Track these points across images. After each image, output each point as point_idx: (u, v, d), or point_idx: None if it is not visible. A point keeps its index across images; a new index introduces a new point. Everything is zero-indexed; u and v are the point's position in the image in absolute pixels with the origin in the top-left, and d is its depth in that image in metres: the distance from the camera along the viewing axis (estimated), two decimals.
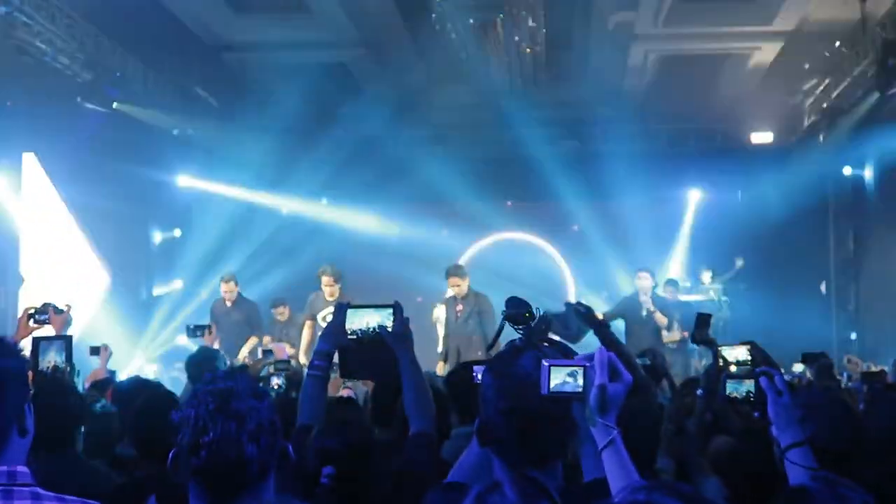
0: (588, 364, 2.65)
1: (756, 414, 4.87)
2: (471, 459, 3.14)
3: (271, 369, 8.80)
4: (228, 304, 14.13)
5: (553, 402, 2.68)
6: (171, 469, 2.65)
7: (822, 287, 18.21)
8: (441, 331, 13.65)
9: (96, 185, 15.20)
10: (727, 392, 4.64)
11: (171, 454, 2.66)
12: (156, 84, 15.07)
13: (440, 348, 13.56)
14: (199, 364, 7.38)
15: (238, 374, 2.79)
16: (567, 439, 2.83)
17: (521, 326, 3.49)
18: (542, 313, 3.54)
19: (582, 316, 5.29)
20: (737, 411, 5.64)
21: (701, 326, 6.91)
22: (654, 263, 15.59)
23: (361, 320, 4.23)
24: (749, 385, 4.52)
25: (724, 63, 16.31)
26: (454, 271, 13.49)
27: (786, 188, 17.24)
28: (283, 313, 15.08)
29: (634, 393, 2.68)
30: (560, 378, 2.65)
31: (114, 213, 16.11)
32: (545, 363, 2.67)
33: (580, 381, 2.64)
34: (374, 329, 4.21)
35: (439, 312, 13.83)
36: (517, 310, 3.56)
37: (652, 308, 13.55)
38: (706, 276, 17.86)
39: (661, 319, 13.55)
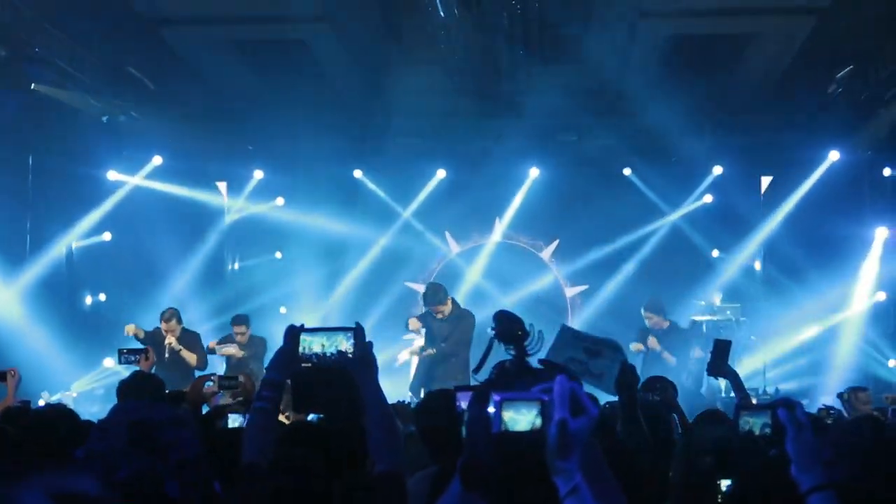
0: (546, 398, 2.58)
1: (773, 452, 4.78)
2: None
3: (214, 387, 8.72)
4: (171, 342, 14.28)
5: (508, 443, 2.63)
6: None
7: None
8: (418, 343, 13.68)
9: (9, 179, 15.10)
10: (740, 427, 4.52)
11: None
12: (82, 63, 14.94)
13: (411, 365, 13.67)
14: (135, 390, 7.21)
15: (157, 403, 2.74)
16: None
17: (512, 346, 3.43)
18: (538, 330, 3.48)
19: (625, 379, 5.14)
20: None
21: (718, 356, 6.89)
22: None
23: (317, 345, 4.16)
24: (766, 417, 4.39)
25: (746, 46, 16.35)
26: (434, 298, 13.52)
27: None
28: (243, 333, 15.05)
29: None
30: (515, 414, 2.59)
31: (31, 211, 16.01)
32: (496, 397, 2.59)
33: (538, 418, 2.57)
34: (331, 354, 4.14)
35: (415, 323, 13.88)
36: (508, 326, 3.50)
37: (658, 349, 14.93)
38: (716, 298, 18.04)
39: (668, 359, 14.79)
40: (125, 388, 7.35)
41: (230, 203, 19.54)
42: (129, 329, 14.04)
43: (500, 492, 2.78)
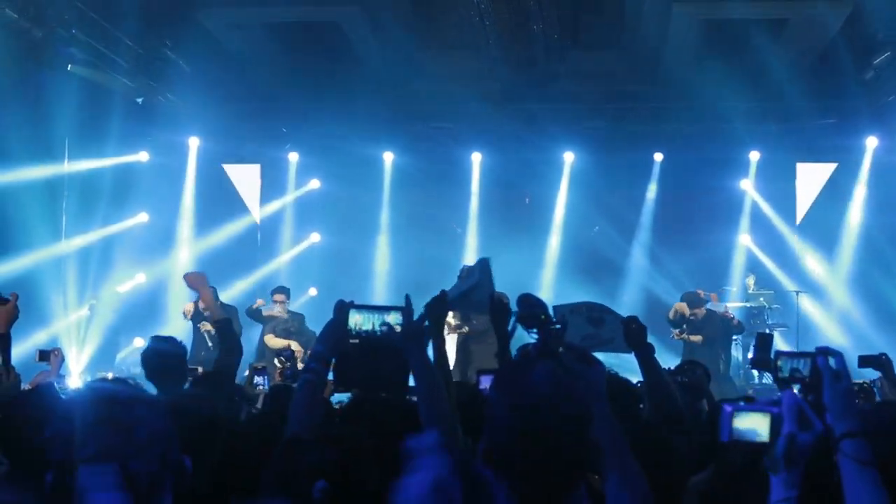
0: (775, 410, 2.62)
1: (810, 397, 4.71)
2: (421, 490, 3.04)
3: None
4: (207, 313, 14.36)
5: (571, 420, 2.63)
6: (51, 494, 2.59)
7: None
8: (462, 332, 13.67)
9: (46, 159, 15.19)
10: (779, 374, 4.51)
11: (48, 476, 2.59)
12: (118, 45, 14.96)
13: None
14: (162, 361, 7.02)
15: (122, 380, 2.72)
16: (587, 465, 2.78)
17: (534, 330, 3.39)
18: (561, 314, 3.45)
19: (632, 333, 5.09)
20: None
21: (762, 349, 6.83)
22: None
23: (369, 323, 4.15)
24: (805, 365, 4.36)
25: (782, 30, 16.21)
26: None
27: None
28: (281, 302, 15.28)
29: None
30: (744, 423, 2.61)
31: (68, 193, 16.12)
32: (727, 408, 2.64)
33: (766, 429, 2.61)
34: (380, 330, 4.11)
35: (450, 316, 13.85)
36: (530, 310, 3.46)
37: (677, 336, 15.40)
38: (750, 282, 17.98)
39: (695, 339, 15.27)
40: (151, 358, 7.15)
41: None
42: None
43: (523, 474, 2.76)
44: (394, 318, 4.09)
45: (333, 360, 4.33)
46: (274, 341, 14.71)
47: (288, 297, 15.56)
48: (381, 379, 4.77)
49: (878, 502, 2.94)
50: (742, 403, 2.65)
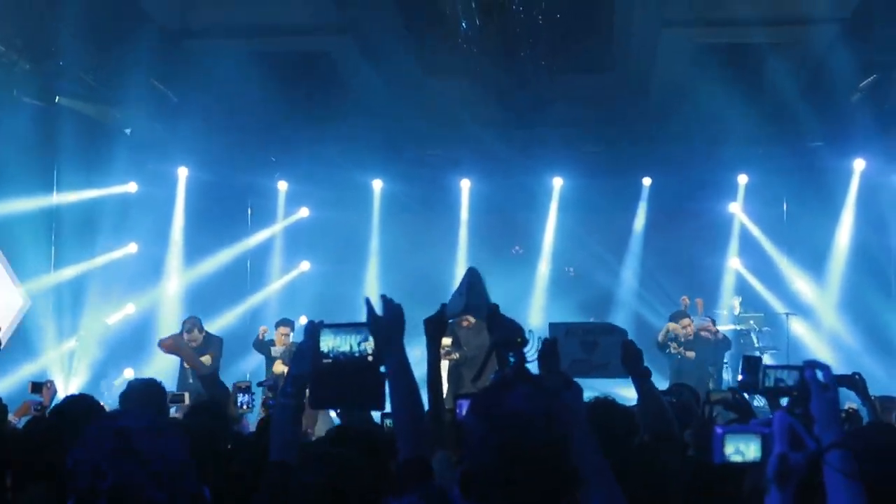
0: (766, 431, 2.64)
1: (797, 410, 4.70)
2: None
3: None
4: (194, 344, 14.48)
5: (548, 445, 2.63)
6: None
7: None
8: (450, 357, 13.65)
9: (34, 192, 15.17)
10: (765, 384, 4.54)
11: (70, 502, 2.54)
12: (105, 75, 14.98)
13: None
14: (141, 399, 7.06)
15: (139, 410, 2.71)
16: (566, 488, 2.76)
17: (510, 355, 3.37)
18: (537, 337, 3.43)
19: (629, 355, 5.06)
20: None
21: (749, 372, 6.82)
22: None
23: (342, 342, 4.03)
24: (790, 376, 4.40)
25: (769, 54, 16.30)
26: None
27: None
28: (285, 335, 15.31)
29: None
30: (735, 446, 2.63)
31: (55, 223, 16.10)
32: (718, 430, 2.65)
33: (758, 450, 2.63)
34: (357, 352, 3.99)
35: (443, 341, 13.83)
36: (507, 333, 3.45)
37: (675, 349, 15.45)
38: (735, 303, 18.05)
39: (687, 355, 15.41)
40: (129, 397, 7.18)
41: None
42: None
43: (502, 499, 2.72)
44: (370, 345, 3.98)
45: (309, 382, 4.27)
46: (280, 367, 14.75)
47: (292, 328, 15.59)
48: (356, 397, 4.74)
49: None
50: (733, 425, 2.65)
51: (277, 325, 15.84)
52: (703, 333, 15.62)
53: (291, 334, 15.50)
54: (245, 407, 8.74)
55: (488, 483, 2.73)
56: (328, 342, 4.05)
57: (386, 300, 4.04)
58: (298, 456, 3.99)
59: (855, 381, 8.76)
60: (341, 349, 4.03)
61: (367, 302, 4.07)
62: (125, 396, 7.06)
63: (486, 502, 2.76)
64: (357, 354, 4.00)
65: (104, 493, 2.47)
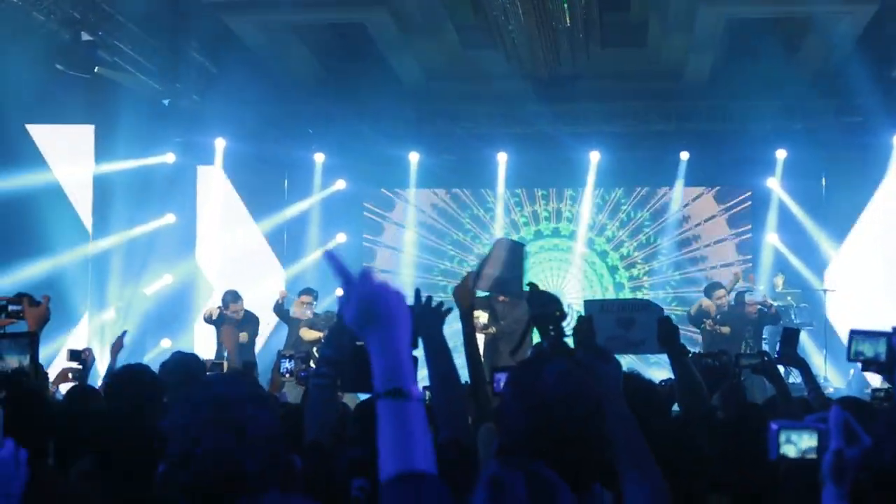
0: (823, 426, 2.64)
1: (884, 378, 4.67)
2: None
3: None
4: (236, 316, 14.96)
5: (583, 419, 2.67)
6: (161, 486, 2.59)
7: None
8: (481, 319, 13.65)
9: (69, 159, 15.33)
10: (854, 349, 4.48)
11: (160, 469, 2.60)
12: (144, 47, 15.05)
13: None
14: (179, 374, 7.02)
15: (237, 378, 2.73)
16: (601, 463, 2.79)
17: (550, 328, 3.38)
18: (577, 313, 3.44)
19: (665, 332, 5.03)
20: None
21: (787, 344, 6.83)
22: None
23: None
24: (879, 345, 4.33)
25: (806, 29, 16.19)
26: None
27: None
28: (307, 303, 15.43)
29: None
30: (791, 440, 2.64)
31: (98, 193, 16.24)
32: (773, 426, 2.66)
33: (814, 445, 2.64)
34: None
35: (479, 315, 13.83)
36: (544, 308, 3.45)
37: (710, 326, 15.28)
38: (779, 281, 17.94)
39: (722, 330, 15.17)
40: (169, 371, 7.05)
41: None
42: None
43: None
44: None
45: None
46: (309, 333, 14.84)
47: (315, 298, 15.64)
48: None
49: None
50: (787, 421, 2.66)
51: (300, 293, 15.92)
52: (752, 309, 15.54)
53: (314, 303, 15.60)
54: (288, 375, 8.73)
55: (523, 457, 2.78)
56: None
57: (428, 298, 4.06)
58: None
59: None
60: None
61: (417, 293, 4.09)
62: (165, 368, 7.11)
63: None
64: None
65: (197, 459, 2.51)
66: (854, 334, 4.51)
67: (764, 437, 2.66)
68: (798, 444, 2.61)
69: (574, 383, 2.82)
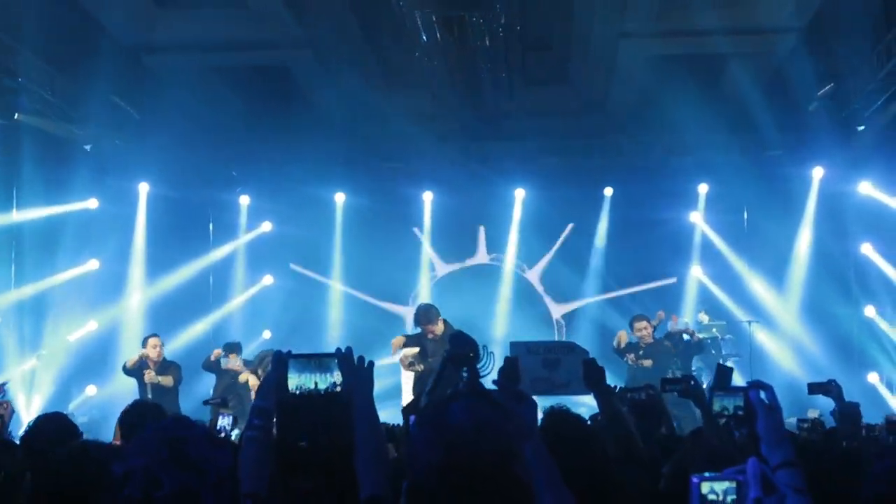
0: (741, 477, 2.73)
1: (744, 431, 4.83)
2: None
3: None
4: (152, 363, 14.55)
5: (493, 456, 2.71)
6: None
7: None
8: (408, 353, 13.64)
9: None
10: (715, 408, 4.64)
11: None
12: (65, 92, 14.96)
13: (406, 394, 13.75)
14: (138, 418, 6.93)
15: (191, 421, 2.73)
16: (511, 501, 2.81)
17: (464, 369, 3.42)
18: (489, 352, 3.48)
19: (591, 374, 5.09)
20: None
21: (721, 381, 6.93)
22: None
23: (306, 380, 4.02)
24: (738, 400, 4.51)
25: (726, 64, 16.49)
26: (425, 317, 13.55)
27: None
28: (235, 362, 15.16)
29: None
30: (712, 493, 2.71)
31: (15, 243, 16.06)
32: (694, 479, 2.73)
33: (733, 496, 2.72)
34: (325, 389, 4.00)
35: (408, 351, 13.84)
36: (460, 349, 3.49)
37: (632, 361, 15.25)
38: (703, 317, 18.15)
39: (645, 364, 15.11)
40: (127, 417, 7.09)
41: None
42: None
43: None
44: (336, 379, 3.99)
45: (276, 413, 4.24)
46: (242, 376, 14.64)
47: (239, 352, 15.35)
48: (325, 429, 4.73)
49: None
50: (708, 474, 2.74)
51: (226, 348, 15.46)
52: (674, 325, 15.72)
53: (238, 360, 15.15)
54: (223, 435, 8.22)
55: (433, 494, 2.78)
56: (293, 380, 4.04)
57: (346, 366, 4.06)
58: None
59: (830, 388, 8.93)
60: (307, 387, 4.04)
61: (341, 354, 4.10)
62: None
63: None
64: (322, 392, 4.02)
65: (159, 502, 2.51)
66: (713, 390, 4.70)
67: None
68: (718, 494, 2.70)
69: (481, 418, 2.82)
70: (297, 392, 4.02)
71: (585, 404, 6.33)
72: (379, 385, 4.09)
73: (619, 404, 5.38)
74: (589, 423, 6.64)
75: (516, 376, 4.46)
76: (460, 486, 2.75)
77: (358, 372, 4.05)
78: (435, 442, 2.80)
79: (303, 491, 3.96)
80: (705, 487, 2.71)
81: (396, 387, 14.63)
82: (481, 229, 19.61)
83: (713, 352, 17.15)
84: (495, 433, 2.81)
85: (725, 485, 2.72)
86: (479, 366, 3.43)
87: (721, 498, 2.70)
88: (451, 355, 3.47)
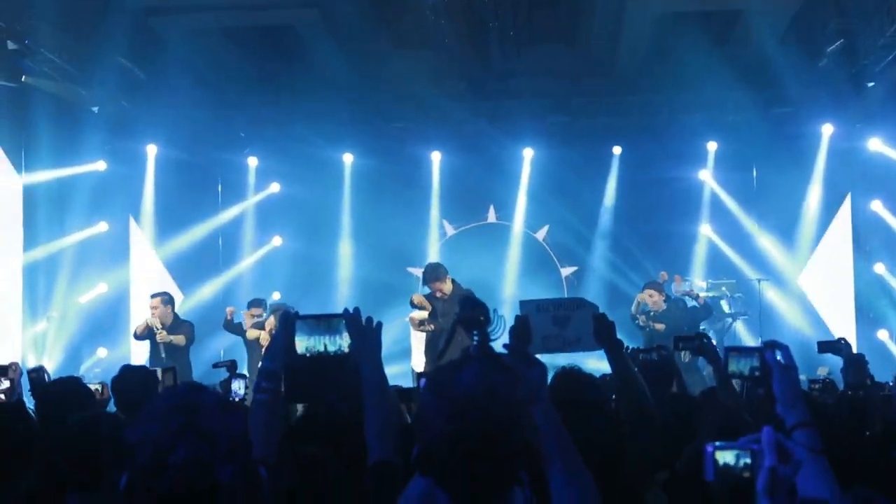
0: (756, 446, 2.70)
1: (760, 391, 4.83)
2: (416, 492, 3.06)
3: None
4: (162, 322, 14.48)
5: (503, 422, 2.73)
6: (126, 496, 2.56)
7: None
8: (419, 315, 13.66)
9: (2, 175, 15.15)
10: (730, 369, 4.65)
11: (124, 479, 2.57)
12: (72, 54, 14.93)
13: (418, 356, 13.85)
14: (134, 387, 6.93)
15: (204, 386, 2.72)
16: (521, 466, 2.82)
17: (475, 332, 3.41)
18: (500, 316, 3.47)
19: (601, 329, 5.06)
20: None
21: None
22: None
23: (316, 342, 4.02)
24: (754, 360, 4.50)
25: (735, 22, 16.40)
26: (433, 275, 13.56)
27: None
28: (258, 315, 15.29)
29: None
30: (726, 461, 2.71)
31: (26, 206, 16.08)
32: (708, 448, 2.70)
33: (748, 465, 2.70)
34: (335, 351, 4.01)
35: (419, 297, 13.88)
36: (470, 312, 3.48)
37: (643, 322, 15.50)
38: (700, 283, 18.14)
39: (657, 327, 15.35)
40: (120, 387, 7.08)
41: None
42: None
43: (457, 478, 2.79)
44: (345, 341, 4.00)
45: (284, 375, 4.22)
46: (251, 332, 14.90)
47: (265, 308, 15.62)
48: (334, 391, 4.73)
49: (828, 487, 3.11)
50: (722, 442, 2.74)
51: (249, 305, 15.83)
52: (678, 287, 15.82)
53: (264, 314, 15.45)
54: (237, 399, 8.14)
55: (443, 460, 2.79)
56: (302, 343, 4.04)
57: (353, 327, 4.05)
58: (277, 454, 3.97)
59: (840, 347, 8.96)
60: (316, 349, 4.04)
61: (348, 315, 4.09)
62: (119, 382, 7.06)
63: (442, 479, 2.82)
64: (332, 354, 4.02)
65: (171, 469, 2.50)
66: (729, 351, 4.69)
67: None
68: (732, 463, 2.70)
69: (492, 383, 2.81)
70: (308, 354, 4.03)
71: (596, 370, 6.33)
72: (388, 345, 4.08)
73: (629, 361, 5.36)
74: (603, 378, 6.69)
75: (528, 335, 4.45)
76: (470, 453, 2.75)
77: (366, 333, 4.06)
78: (444, 408, 2.79)
79: (310, 456, 3.94)
80: (720, 456, 2.71)
81: (406, 348, 14.70)
82: (490, 188, 19.50)
83: (716, 313, 17.18)
84: (505, 399, 2.81)
85: (741, 454, 2.72)
86: (489, 329, 3.42)
87: (736, 467, 2.70)
88: (461, 318, 3.45)
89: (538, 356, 3.29)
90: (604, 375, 6.69)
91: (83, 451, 4.19)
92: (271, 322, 14.37)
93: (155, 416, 2.57)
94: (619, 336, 5.16)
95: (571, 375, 5.26)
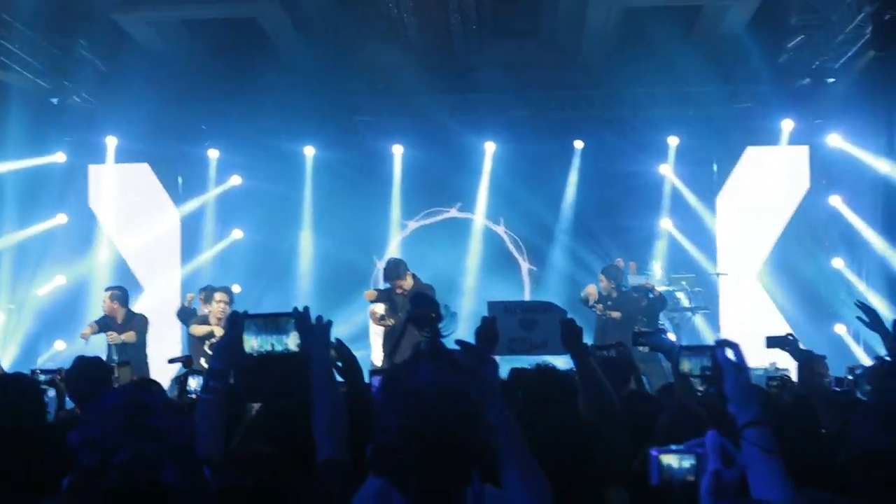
0: (700, 450, 2.74)
1: (712, 390, 4.84)
2: (371, 491, 3.02)
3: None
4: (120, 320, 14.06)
5: (457, 420, 2.74)
6: (69, 496, 2.57)
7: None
8: (385, 324, 13.61)
9: None
10: (681, 369, 4.66)
11: (65, 481, 2.58)
12: (32, 45, 14.84)
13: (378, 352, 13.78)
14: (87, 379, 6.77)
15: (150, 386, 2.72)
16: (476, 462, 2.84)
17: (426, 329, 3.42)
18: (451, 312, 3.47)
19: (569, 334, 5.07)
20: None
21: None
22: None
23: (263, 342, 4.00)
24: (705, 359, 4.52)
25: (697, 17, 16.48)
26: (394, 272, 13.53)
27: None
28: (225, 302, 14.56)
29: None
30: (671, 465, 2.75)
31: None
32: (653, 452, 2.76)
33: (692, 469, 2.74)
34: (281, 351, 4.00)
35: (371, 294, 13.86)
36: (421, 310, 3.49)
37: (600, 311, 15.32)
38: (657, 268, 18.22)
39: (613, 315, 15.25)
40: (75, 376, 7.02)
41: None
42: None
43: (412, 476, 2.80)
44: (293, 340, 3.99)
45: (234, 375, 4.20)
46: (197, 329, 13.89)
47: (232, 300, 14.37)
48: (282, 390, 4.72)
49: (781, 488, 3.12)
50: (668, 447, 2.77)
51: (217, 291, 14.98)
52: (646, 290, 15.81)
53: (232, 304, 14.26)
54: (195, 396, 7.64)
55: (397, 458, 2.81)
56: (250, 343, 4.02)
57: (303, 326, 4.05)
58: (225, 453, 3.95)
59: (787, 342, 8.98)
60: (264, 349, 4.02)
61: (298, 314, 4.07)
62: (73, 374, 7.00)
63: (396, 478, 2.84)
64: (278, 353, 4.01)
65: (115, 469, 2.49)
66: (681, 350, 4.71)
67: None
68: (676, 467, 2.72)
69: (445, 382, 2.83)
70: (255, 354, 4.01)
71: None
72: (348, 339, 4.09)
73: (595, 365, 5.37)
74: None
75: (494, 336, 4.46)
76: (425, 451, 2.77)
77: (315, 331, 4.06)
78: (398, 406, 2.81)
79: (261, 455, 3.94)
80: (664, 459, 2.74)
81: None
82: (452, 182, 19.47)
83: (673, 306, 17.26)
84: (459, 397, 2.82)
85: (685, 457, 2.75)
86: (440, 325, 3.43)
87: (681, 470, 2.73)
88: (412, 316, 3.46)
89: (499, 357, 3.31)
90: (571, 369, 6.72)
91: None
92: (217, 310, 13.81)
93: (99, 418, 2.56)
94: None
95: (546, 373, 5.29)
